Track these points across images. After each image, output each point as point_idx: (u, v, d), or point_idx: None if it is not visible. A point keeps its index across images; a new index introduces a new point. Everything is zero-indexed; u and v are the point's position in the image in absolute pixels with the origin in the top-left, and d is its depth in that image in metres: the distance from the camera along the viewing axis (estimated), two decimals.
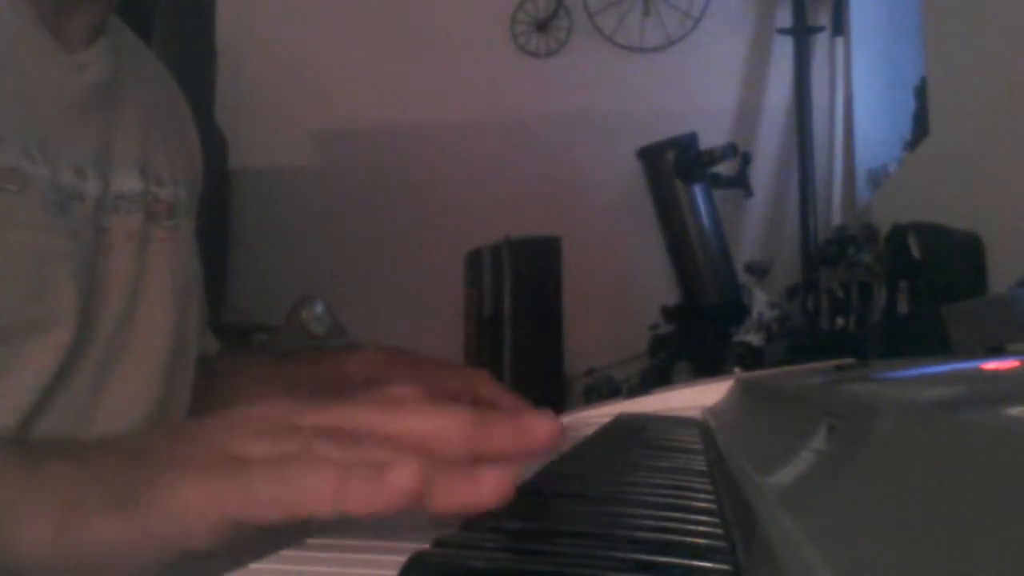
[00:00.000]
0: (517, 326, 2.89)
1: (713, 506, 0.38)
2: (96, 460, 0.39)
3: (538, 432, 0.39)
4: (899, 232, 1.55)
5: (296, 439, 0.37)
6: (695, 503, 0.39)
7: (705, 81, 3.24)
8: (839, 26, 3.07)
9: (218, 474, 0.36)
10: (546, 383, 2.90)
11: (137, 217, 0.69)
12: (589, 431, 0.78)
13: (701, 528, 0.34)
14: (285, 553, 0.33)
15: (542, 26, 3.37)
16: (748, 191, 3.01)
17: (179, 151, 0.79)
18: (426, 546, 0.30)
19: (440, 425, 0.38)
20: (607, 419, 0.89)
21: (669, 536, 0.32)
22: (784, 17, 3.13)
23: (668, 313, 2.95)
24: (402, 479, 0.34)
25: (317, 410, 0.40)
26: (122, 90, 0.70)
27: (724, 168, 2.96)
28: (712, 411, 0.87)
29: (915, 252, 1.46)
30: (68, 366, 0.60)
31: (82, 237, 0.63)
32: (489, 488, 0.35)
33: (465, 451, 0.38)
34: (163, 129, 0.76)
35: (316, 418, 0.39)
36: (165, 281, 0.71)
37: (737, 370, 2.06)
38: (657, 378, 2.70)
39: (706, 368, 2.62)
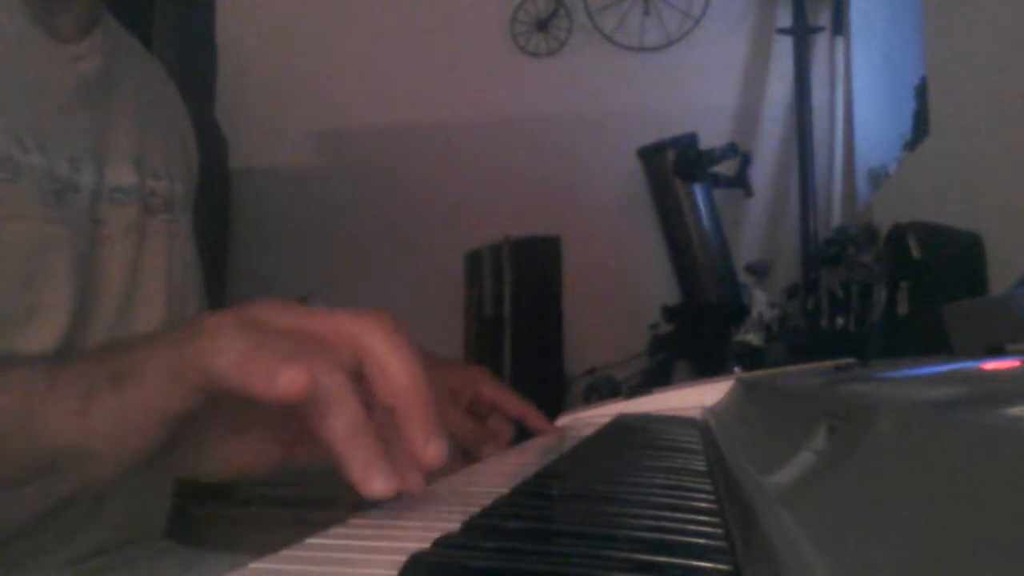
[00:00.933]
0: (517, 326, 2.89)
1: (713, 506, 0.38)
2: (95, 353, 0.45)
3: (424, 455, 0.40)
4: (899, 232, 1.55)
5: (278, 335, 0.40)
6: (695, 503, 0.39)
7: (705, 81, 3.24)
8: (839, 26, 3.07)
9: (180, 344, 0.41)
10: (546, 383, 2.90)
11: (134, 209, 0.69)
12: (589, 431, 0.78)
13: (701, 528, 0.34)
14: (285, 553, 0.33)
15: (542, 26, 3.37)
16: (748, 191, 3.01)
17: (174, 145, 0.78)
18: (426, 546, 0.30)
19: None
20: (607, 419, 0.89)
21: (669, 536, 0.32)
22: (784, 17, 3.13)
23: (668, 313, 2.95)
24: (292, 376, 0.37)
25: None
26: (116, 83, 0.70)
27: (724, 168, 2.96)
28: (712, 411, 0.87)
29: (915, 252, 1.46)
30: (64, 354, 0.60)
31: (79, 227, 0.63)
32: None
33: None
34: (158, 123, 0.76)
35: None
36: (161, 276, 0.71)
37: (737, 370, 2.06)
38: (657, 378, 2.70)
39: (706, 368, 2.62)
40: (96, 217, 0.65)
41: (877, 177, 2.77)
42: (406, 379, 0.40)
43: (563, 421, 0.99)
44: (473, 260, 3.06)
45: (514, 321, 2.89)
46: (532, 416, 0.85)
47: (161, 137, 0.75)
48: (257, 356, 0.38)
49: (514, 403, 0.84)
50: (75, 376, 0.43)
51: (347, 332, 0.40)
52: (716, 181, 2.95)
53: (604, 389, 2.84)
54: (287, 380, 0.37)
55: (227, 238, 3.34)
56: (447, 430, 0.50)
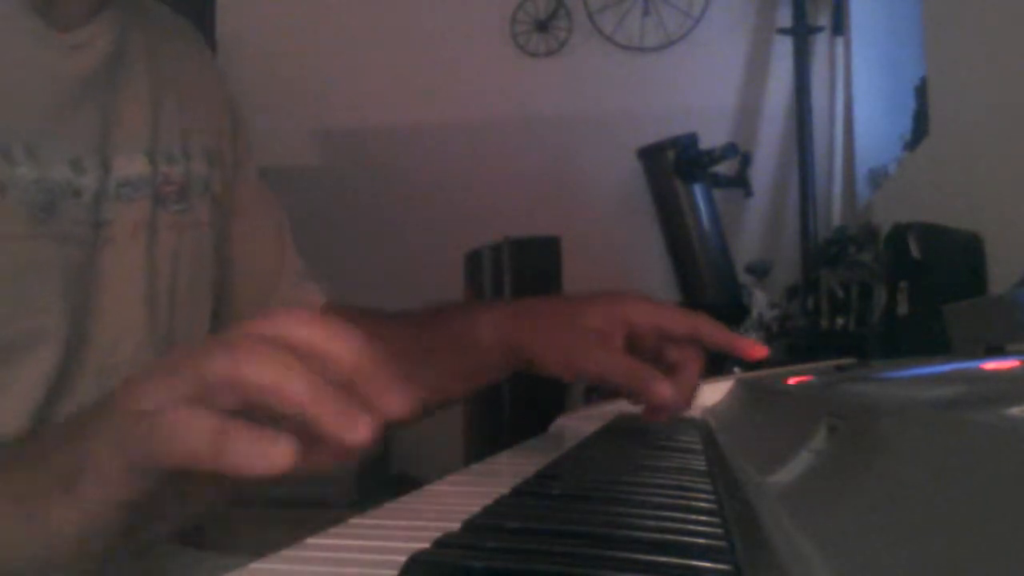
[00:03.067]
0: None
1: (713, 506, 0.38)
2: (33, 451, 0.42)
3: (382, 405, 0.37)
4: (899, 232, 1.55)
5: (186, 378, 0.37)
6: (695, 503, 0.39)
7: (705, 81, 3.24)
8: (839, 26, 3.07)
9: (119, 434, 0.38)
10: (546, 383, 2.89)
11: (144, 204, 0.64)
12: (589, 431, 0.78)
13: (701, 528, 0.34)
14: (285, 553, 0.33)
15: (542, 26, 3.37)
16: (748, 191, 3.01)
17: (198, 116, 0.72)
18: (426, 546, 0.30)
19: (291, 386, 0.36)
20: (607, 419, 0.89)
21: (669, 536, 0.32)
22: (784, 17, 3.13)
23: None
24: (279, 452, 0.35)
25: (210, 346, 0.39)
26: (127, 65, 0.65)
27: (724, 168, 2.96)
28: (712, 411, 0.87)
29: (915, 252, 1.46)
30: (63, 382, 0.57)
31: (73, 240, 0.58)
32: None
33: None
34: (179, 95, 0.70)
35: (216, 367, 0.38)
36: (173, 281, 0.67)
37: (737, 370, 2.06)
38: None
39: (706, 368, 2.61)
40: (100, 219, 0.61)
41: (877, 177, 2.77)
42: (342, 350, 0.37)
43: (563, 421, 0.99)
44: (473, 260, 3.06)
45: None
46: (707, 331, 0.71)
47: (180, 111, 0.69)
48: (226, 436, 0.35)
49: (681, 322, 0.71)
50: (9, 487, 0.40)
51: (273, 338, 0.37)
52: (716, 181, 2.95)
53: (604, 389, 2.84)
54: (277, 457, 0.34)
55: None
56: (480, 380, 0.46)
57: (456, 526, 0.34)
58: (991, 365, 0.46)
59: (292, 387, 0.35)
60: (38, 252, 0.56)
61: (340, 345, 0.37)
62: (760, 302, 2.61)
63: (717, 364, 2.61)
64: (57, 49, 0.59)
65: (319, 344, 0.37)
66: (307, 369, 0.36)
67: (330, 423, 0.35)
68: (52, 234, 0.57)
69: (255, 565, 0.31)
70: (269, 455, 0.35)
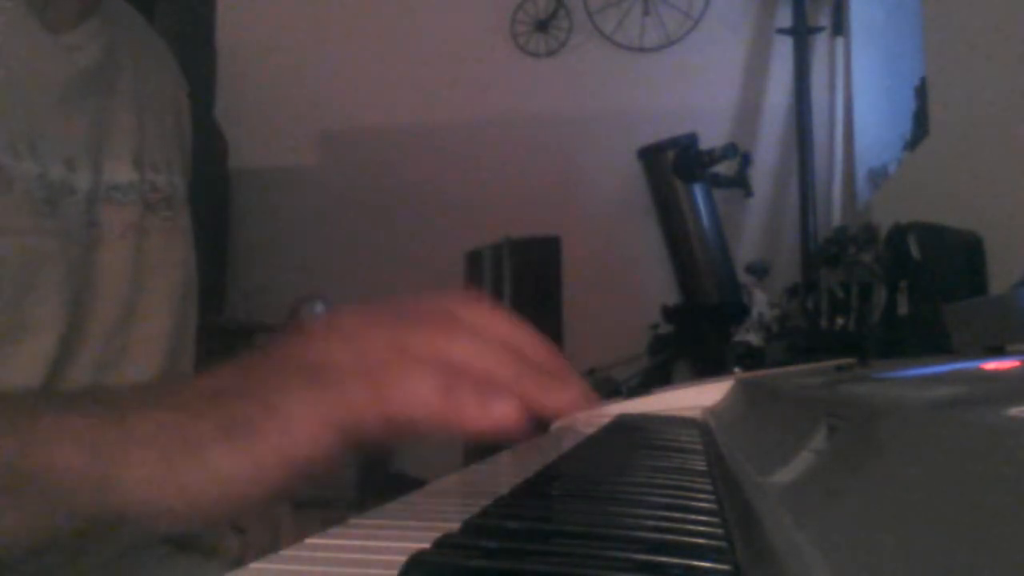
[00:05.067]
0: None
1: (713, 506, 0.38)
2: (184, 394, 0.39)
3: (570, 399, 0.38)
4: (899, 232, 1.55)
5: (382, 341, 0.37)
6: (695, 503, 0.39)
7: (705, 81, 3.24)
8: (839, 26, 3.07)
9: (315, 386, 0.36)
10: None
11: (134, 209, 0.65)
12: (589, 431, 0.78)
13: (701, 528, 0.33)
14: (285, 553, 0.33)
15: (542, 26, 3.37)
16: (748, 191, 3.01)
17: (174, 133, 0.74)
18: (426, 546, 0.30)
19: (494, 358, 0.38)
20: (607, 419, 0.89)
21: (669, 536, 0.32)
22: (784, 17, 3.13)
23: (668, 313, 2.95)
24: (505, 409, 0.35)
25: (385, 315, 0.40)
26: (115, 72, 0.66)
27: (724, 168, 2.96)
28: (712, 411, 0.87)
29: (915, 252, 1.46)
30: (58, 373, 0.58)
31: (72, 236, 0.59)
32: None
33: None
34: (159, 110, 0.71)
35: (392, 331, 0.39)
36: (163, 281, 0.68)
37: (737, 370, 2.06)
38: (657, 378, 2.70)
39: (706, 368, 2.62)
40: (92, 219, 0.62)
41: (877, 177, 2.77)
42: (527, 341, 0.39)
43: (563, 421, 0.99)
44: (473, 260, 3.06)
45: None
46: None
47: (161, 124, 0.71)
48: (451, 395, 0.35)
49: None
50: (157, 427, 0.37)
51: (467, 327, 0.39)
52: (716, 181, 2.95)
53: (604, 389, 2.84)
54: (500, 414, 0.35)
55: (227, 238, 3.34)
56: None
57: (456, 526, 0.34)
58: (991, 365, 0.46)
59: (486, 364, 0.37)
60: (41, 246, 0.57)
61: (526, 337, 0.39)
62: (760, 302, 2.61)
63: (717, 364, 2.61)
64: (53, 49, 0.60)
65: (506, 334, 0.39)
66: (495, 348, 0.37)
67: (535, 390, 0.36)
68: (54, 229, 0.58)
69: (255, 565, 0.31)
70: (496, 411, 0.35)
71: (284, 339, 0.40)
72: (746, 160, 2.97)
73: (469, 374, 0.36)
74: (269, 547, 0.37)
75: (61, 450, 0.36)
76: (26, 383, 0.56)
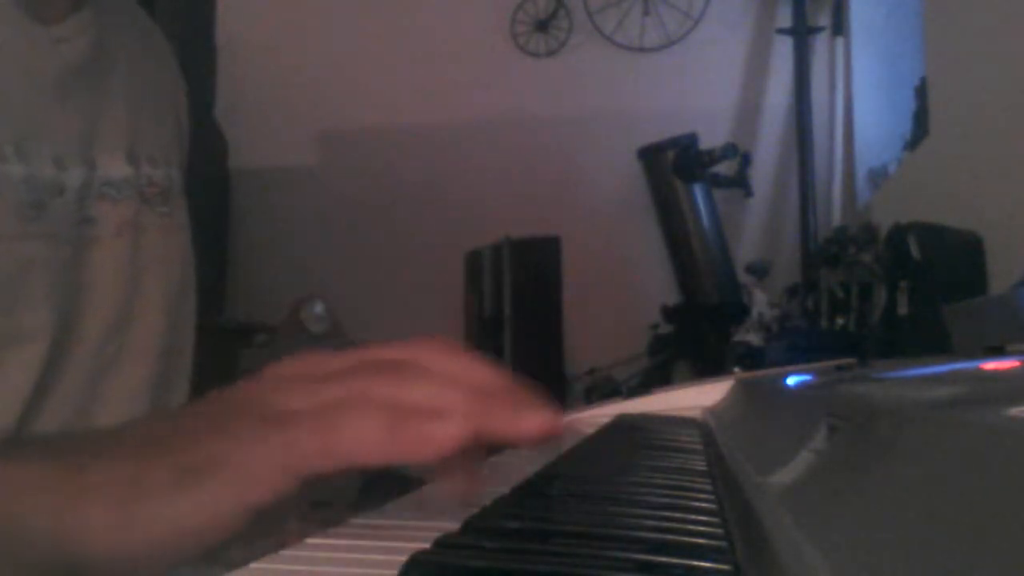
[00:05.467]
0: (517, 326, 2.89)
1: (713, 506, 0.38)
2: (139, 442, 0.39)
3: (533, 426, 0.38)
4: (899, 232, 1.55)
5: (336, 386, 0.38)
6: (695, 503, 0.39)
7: (705, 81, 3.24)
8: (839, 26, 3.07)
9: (268, 432, 0.37)
10: (546, 383, 2.89)
11: (130, 204, 0.63)
12: (589, 431, 0.78)
13: (701, 528, 0.33)
14: (285, 553, 0.33)
15: (542, 26, 3.37)
16: (748, 191, 3.02)
17: (169, 123, 0.72)
18: (426, 546, 0.30)
19: (446, 395, 0.38)
20: (607, 419, 0.89)
21: (669, 536, 0.32)
22: (784, 17, 3.14)
23: (668, 313, 2.95)
24: (449, 432, 0.36)
25: (343, 361, 0.40)
26: (108, 63, 0.64)
27: (724, 168, 2.96)
28: (712, 411, 0.87)
29: (915, 252, 1.46)
30: (49, 380, 0.57)
31: (61, 238, 0.58)
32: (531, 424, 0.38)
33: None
34: (153, 101, 0.69)
35: (343, 366, 0.39)
36: (160, 280, 0.66)
37: (737, 370, 2.06)
38: (657, 378, 2.70)
39: (706, 368, 2.62)
40: (85, 216, 0.60)
41: (877, 177, 2.77)
42: (482, 375, 0.39)
43: (563, 421, 0.99)
44: (473, 260, 3.06)
45: (514, 321, 2.89)
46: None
47: (155, 115, 0.69)
48: (395, 430, 0.36)
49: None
50: (113, 476, 0.37)
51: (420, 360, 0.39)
52: (716, 181, 2.95)
53: (604, 389, 2.84)
54: (441, 437, 0.36)
55: (227, 238, 3.34)
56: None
57: (456, 526, 0.34)
58: (991, 365, 0.46)
59: (450, 401, 0.37)
60: (28, 251, 0.55)
61: (480, 371, 0.39)
62: (760, 302, 2.61)
63: (717, 364, 2.61)
64: (42, 42, 0.58)
65: (460, 371, 0.39)
66: (453, 389, 0.38)
67: (486, 417, 0.37)
68: (41, 233, 0.56)
69: (255, 565, 0.31)
70: (437, 436, 0.36)
71: (239, 383, 0.41)
72: (746, 160, 2.97)
73: (418, 411, 0.37)
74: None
75: (20, 502, 0.37)
76: (17, 392, 0.55)
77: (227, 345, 2.61)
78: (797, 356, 1.84)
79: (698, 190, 2.93)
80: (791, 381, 0.65)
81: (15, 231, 0.54)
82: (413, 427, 0.36)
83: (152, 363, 0.65)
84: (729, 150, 2.89)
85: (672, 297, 3.04)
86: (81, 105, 0.61)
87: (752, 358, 2.32)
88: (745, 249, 3.09)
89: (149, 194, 0.66)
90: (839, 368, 0.78)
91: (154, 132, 0.68)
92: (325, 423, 0.36)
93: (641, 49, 3.31)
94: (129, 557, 0.37)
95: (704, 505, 0.38)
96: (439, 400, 0.37)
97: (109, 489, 0.36)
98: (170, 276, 0.68)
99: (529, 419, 0.38)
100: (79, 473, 0.37)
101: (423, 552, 0.30)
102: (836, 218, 2.96)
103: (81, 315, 0.60)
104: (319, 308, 2.85)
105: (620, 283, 3.26)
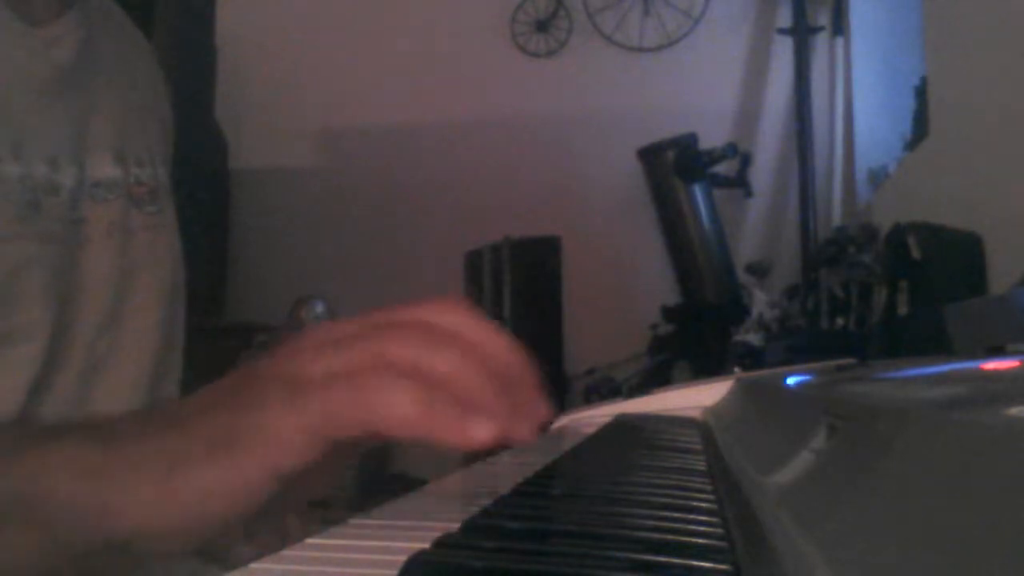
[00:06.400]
0: (517, 326, 2.89)
1: (713, 506, 0.38)
2: (169, 420, 0.40)
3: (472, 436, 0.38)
4: (899, 232, 1.55)
5: (358, 349, 0.38)
6: (695, 503, 0.39)
7: (705, 81, 3.24)
8: (839, 26, 3.07)
9: (292, 398, 0.37)
10: (546, 383, 2.90)
11: (117, 204, 0.64)
12: (589, 431, 0.78)
13: (701, 528, 0.33)
14: (285, 553, 0.33)
15: (542, 26, 3.37)
16: (748, 191, 3.02)
17: (155, 123, 0.72)
18: (426, 546, 0.30)
19: (469, 372, 0.38)
20: (607, 419, 0.89)
21: (669, 536, 0.32)
22: (784, 17, 3.14)
23: (668, 313, 2.95)
24: (479, 434, 0.36)
25: (360, 325, 0.40)
26: (96, 65, 0.64)
27: (724, 168, 2.96)
28: (712, 411, 0.87)
29: (915, 252, 1.46)
30: (45, 378, 0.57)
31: (55, 238, 0.58)
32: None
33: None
34: (140, 102, 0.70)
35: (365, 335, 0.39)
36: (151, 279, 0.67)
37: (737, 370, 2.06)
38: (657, 378, 2.70)
39: (706, 368, 2.62)
40: (77, 216, 0.61)
41: (877, 177, 2.78)
42: (500, 348, 0.40)
43: (563, 421, 0.99)
44: (473, 260, 3.06)
45: (514, 321, 2.89)
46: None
47: (142, 115, 0.69)
48: (430, 409, 0.36)
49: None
50: (147, 450, 0.38)
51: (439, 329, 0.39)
52: (716, 181, 2.95)
53: (604, 389, 2.84)
54: (476, 435, 0.36)
55: (227, 238, 3.34)
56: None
57: (456, 526, 0.34)
58: (991, 365, 0.46)
59: (466, 378, 0.37)
60: (23, 251, 0.56)
61: (503, 345, 0.40)
62: (760, 302, 2.61)
63: (717, 364, 2.61)
64: (32, 44, 0.59)
65: (480, 339, 0.39)
66: (475, 362, 0.38)
67: (507, 417, 0.37)
68: (36, 233, 0.57)
69: (255, 565, 0.31)
70: (473, 432, 0.36)
71: (267, 353, 0.41)
72: (746, 160, 2.97)
73: (449, 389, 0.37)
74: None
75: (59, 480, 0.37)
76: (13, 390, 0.55)
77: (227, 345, 2.60)
78: (797, 356, 1.84)
79: (698, 190, 2.93)
80: (791, 381, 0.65)
81: (12, 231, 0.55)
82: (449, 412, 0.36)
83: (144, 360, 0.65)
84: (729, 150, 2.89)
85: (672, 297, 3.04)
86: (71, 106, 0.61)
87: (752, 358, 2.33)
88: (745, 249, 3.09)
89: (137, 194, 0.66)
90: (839, 368, 0.78)
91: (141, 132, 0.68)
92: (351, 386, 0.36)
93: (641, 49, 3.31)
94: (166, 528, 0.37)
95: (704, 505, 0.38)
96: (468, 378, 0.37)
97: (147, 465, 0.37)
98: (160, 274, 0.68)
99: (527, 424, 0.38)
100: (117, 452, 0.38)
101: (423, 552, 0.30)
102: (836, 218, 2.96)
103: (74, 314, 0.60)
104: (319, 308, 2.85)
105: (620, 283, 3.26)
